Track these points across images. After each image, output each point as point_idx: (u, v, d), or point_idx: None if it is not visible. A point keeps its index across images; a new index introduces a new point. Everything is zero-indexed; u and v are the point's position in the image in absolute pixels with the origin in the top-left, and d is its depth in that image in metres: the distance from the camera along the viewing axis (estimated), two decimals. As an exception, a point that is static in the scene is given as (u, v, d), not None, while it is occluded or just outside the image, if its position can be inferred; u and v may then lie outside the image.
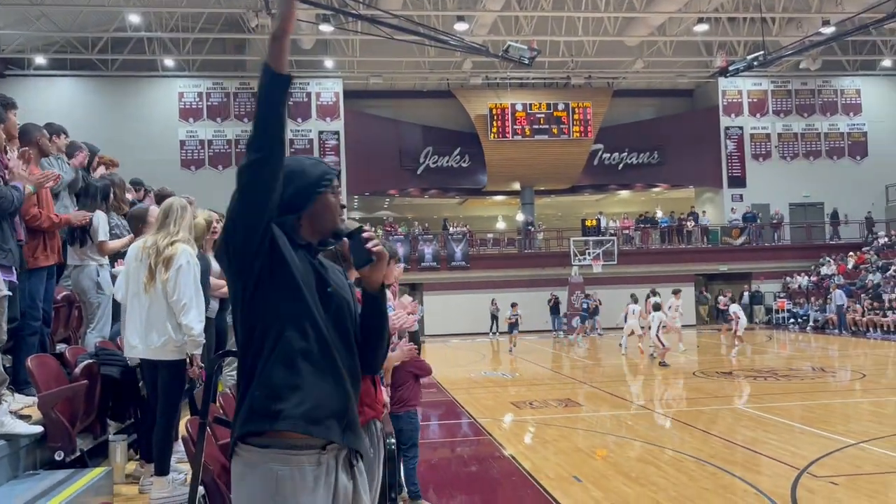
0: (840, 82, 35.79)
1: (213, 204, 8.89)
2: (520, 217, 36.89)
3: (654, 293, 21.42)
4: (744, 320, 22.58)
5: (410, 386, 6.59)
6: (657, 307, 18.68)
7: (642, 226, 34.39)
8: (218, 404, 5.51)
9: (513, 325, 24.01)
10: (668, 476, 7.94)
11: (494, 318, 30.38)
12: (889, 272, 28.16)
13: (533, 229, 34.38)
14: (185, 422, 4.66)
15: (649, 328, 19.15)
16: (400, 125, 34.96)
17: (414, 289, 31.06)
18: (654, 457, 8.93)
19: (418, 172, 34.84)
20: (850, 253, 32.24)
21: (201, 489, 3.87)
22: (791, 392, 13.67)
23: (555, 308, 30.06)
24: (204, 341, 5.46)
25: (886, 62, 34.51)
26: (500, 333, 30.44)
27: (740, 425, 10.70)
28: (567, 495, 7.32)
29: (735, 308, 23.12)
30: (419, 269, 31.21)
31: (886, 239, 32.32)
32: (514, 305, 24.54)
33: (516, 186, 35.99)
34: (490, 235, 36.19)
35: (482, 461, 9.10)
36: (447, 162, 34.78)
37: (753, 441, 9.66)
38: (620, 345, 21.89)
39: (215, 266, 6.29)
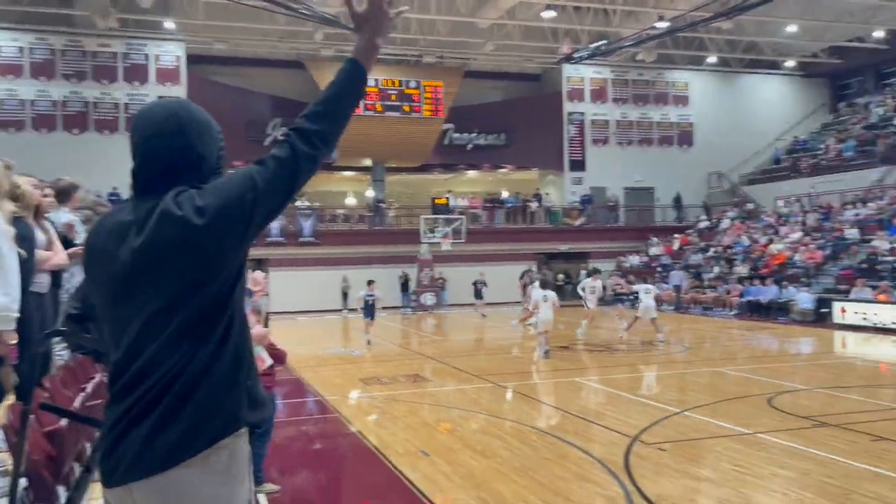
0: (671, 75, 38.24)
1: (35, 169, 8.12)
2: (370, 193, 36.71)
3: (531, 272, 21.52)
4: (648, 304, 18.06)
5: (265, 370, 6.40)
6: (545, 284, 16.51)
7: (489, 205, 35.27)
8: (50, 387, 5.05)
9: (370, 308, 19.31)
10: (512, 447, 8.21)
11: (346, 295, 30.17)
12: (709, 253, 30.61)
13: (384, 206, 34.34)
14: (4, 408, 4.24)
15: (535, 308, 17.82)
16: (247, 94, 33.65)
17: (260, 264, 30.18)
18: (498, 429, 9.21)
19: (265, 144, 33.73)
20: (676, 235, 34.73)
21: (24, 481, 3.54)
22: (620, 364, 14.55)
23: (405, 285, 30.32)
24: (13, 315, 4.94)
25: (712, 59, 37.23)
26: (350, 311, 30.29)
27: (578, 397, 11.27)
28: (415, 469, 7.39)
29: (641, 288, 18.79)
30: (265, 244, 30.34)
31: (708, 222, 35.09)
32: (370, 283, 20.15)
33: (367, 163, 35.74)
34: (340, 211, 35.78)
35: (329, 439, 9.00)
36: (296, 135, 33.85)
37: (590, 411, 10.20)
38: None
39: (40, 237, 5.76)
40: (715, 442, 8.42)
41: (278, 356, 6.46)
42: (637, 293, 18.84)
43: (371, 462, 7.81)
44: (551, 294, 15.57)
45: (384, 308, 30.92)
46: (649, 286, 19.13)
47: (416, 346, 19.48)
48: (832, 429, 8.71)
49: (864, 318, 19.83)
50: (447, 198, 33.29)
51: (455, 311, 29.90)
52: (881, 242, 23.42)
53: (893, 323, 18.95)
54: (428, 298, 30.23)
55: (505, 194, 37.89)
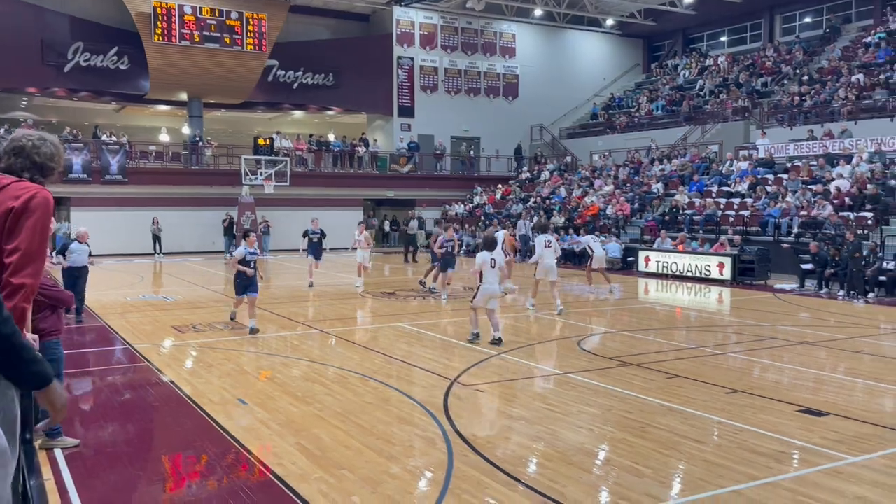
0: (500, 26, 39.02)
1: None
2: (186, 130, 34.71)
3: (371, 218, 20.68)
4: (599, 253, 17.98)
5: (48, 316, 5.89)
6: (543, 228, 15.14)
7: (315, 148, 34.56)
8: None
9: (315, 247, 18.18)
10: (334, 392, 8.21)
11: (157, 238, 28.54)
12: (529, 203, 31.99)
13: (201, 144, 32.64)
14: None
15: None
16: (44, 13, 30.38)
17: (61, 204, 27.78)
18: (320, 375, 9.18)
19: (66, 70, 30.80)
20: (499, 185, 35.93)
21: None
22: (442, 309, 14.94)
23: (228, 229, 29.13)
24: None
25: (538, 12, 38.38)
26: (164, 254, 28.79)
27: (400, 341, 11.45)
28: (230, 418, 7.21)
29: (590, 240, 18.79)
30: (66, 181, 27.92)
31: (529, 174, 36.57)
32: (314, 221, 19.04)
33: (183, 97, 33.69)
34: (152, 148, 33.59)
35: (137, 389, 8.55)
36: (102, 62, 31.21)
37: (411, 356, 10.40)
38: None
39: None
40: (529, 382, 8.89)
41: (61, 299, 5.96)
42: (588, 246, 18.62)
43: (184, 412, 7.52)
44: (552, 239, 13.96)
45: (199, 252, 29.74)
46: (594, 237, 19.50)
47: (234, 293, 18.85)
48: (633, 368, 9.47)
49: (665, 267, 21.66)
50: (271, 138, 32.20)
51: (280, 256, 29.26)
52: (682, 197, 25.55)
53: (689, 271, 20.86)
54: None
55: (332, 137, 37.28)
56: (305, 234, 18.85)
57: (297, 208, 31.42)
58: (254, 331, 11.91)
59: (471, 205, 34.95)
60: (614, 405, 7.82)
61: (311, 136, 35.94)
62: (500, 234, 20.14)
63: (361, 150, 35.03)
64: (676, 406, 7.76)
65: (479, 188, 36.10)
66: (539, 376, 9.20)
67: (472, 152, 38.16)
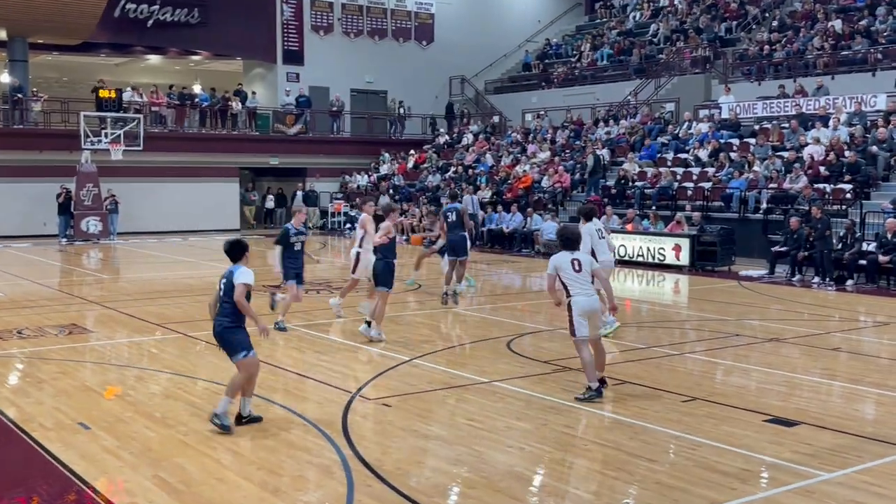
0: (410, -48, 38.98)
1: None
2: (6, 79, 33.35)
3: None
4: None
5: None
6: (590, 214, 12.18)
7: (177, 103, 33.77)
8: None
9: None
10: (202, 412, 8.08)
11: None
12: (449, 173, 32.12)
13: (26, 97, 31.39)
14: None
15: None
16: None
17: None
18: (185, 390, 9.04)
19: None
20: (411, 151, 35.94)
21: None
22: (344, 307, 14.88)
23: (65, 206, 28.11)
24: None
25: (458, -63, 38.50)
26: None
27: (289, 346, 11.36)
28: (68, 447, 7.04)
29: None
30: None
31: (448, 137, 36.68)
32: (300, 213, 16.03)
33: (2, 35, 32.33)
34: (-40, 102, 32.12)
35: (-55, 414, 8.21)
36: None
37: (302, 364, 10.34)
38: None
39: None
40: (447, 394, 8.97)
41: None
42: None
43: (7, 441, 7.30)
44: (602, 228, 12.43)
45: (24, 237, 28.68)
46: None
47: (74, 288, 18.36)
48: (574, 373, 9.67)
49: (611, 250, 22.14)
50: (119, 89, 31.23)
51: (132, 241, 28.51)
52: (631, 166, 26.16)
53: (639, 255, 21.41)
54: (91, 224, 28.43)
55: (198, 89, 36.48)
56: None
57: (152, 179, 30.63)
58: (282, 328, 12.15)
59: (376, 175, 34.86)
60: (550, 419, 7.98)
61: (170, 87, 35.07)
62: (467, 200, 20.57)
63: (236, 105, 34.41)
64: (625, 418, 7.98)
65: (386, 155, 36.03)
66: (459, 386, 9.29)
67: (402, 110, 37.97)
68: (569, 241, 8.93)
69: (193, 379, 9.56)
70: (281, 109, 35.32)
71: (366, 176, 34.96)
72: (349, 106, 37.30)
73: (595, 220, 12.24)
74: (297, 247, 12.17)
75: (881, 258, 17.46)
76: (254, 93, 35.80)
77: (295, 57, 36.50)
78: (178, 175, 31.20)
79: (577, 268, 8.71)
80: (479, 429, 7.63)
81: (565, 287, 8.71)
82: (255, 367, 7.62)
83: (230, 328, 7.47)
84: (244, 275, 7.39)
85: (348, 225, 31.42)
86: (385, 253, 11.39)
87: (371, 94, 38.30)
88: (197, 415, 8.02)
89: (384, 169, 35.15)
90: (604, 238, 12.02)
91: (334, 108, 36.34)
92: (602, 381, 8.72)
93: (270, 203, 35.51)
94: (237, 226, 33.29)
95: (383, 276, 11.35)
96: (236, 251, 7.61)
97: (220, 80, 37.60)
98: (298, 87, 36.03)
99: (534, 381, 9.42)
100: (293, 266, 12.17)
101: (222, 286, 7.50)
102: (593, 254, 10.86)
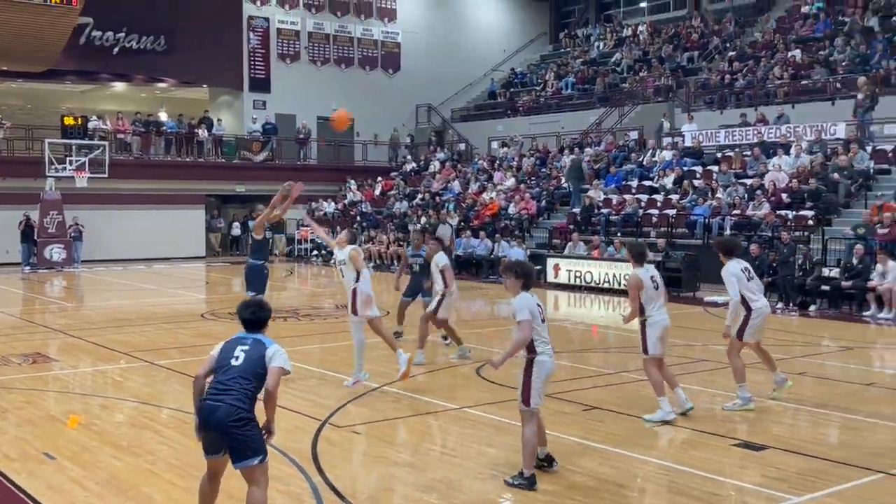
0: (377, -18, 39.19)
1: None
2: (-31, 106, 32.93)
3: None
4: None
5: None
6: (641, 257, 9.54)
7: (143, 130, 33.56)
8: None
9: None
10: (169, 440, 8.00)
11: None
12: (416, 200, 32.15)
13: (-11, 124, 31.01)
14: None
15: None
16: None
17: None
18: (151, 419, 8.94)
19: None
20: (378, 178, 35.95)
21: None
22: (313, 334, 14.82)
23: (27, 234, 27.74)
24: None
25: (424, -33, 38.81)
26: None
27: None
28: (35, 477, 6.94)
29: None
30: None
31: (414, 164, 36.76)
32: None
33: (-36, 62, 31.99)
34: (-79, 128, 31.65)
35: None
36: None
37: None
38: None
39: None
40: (418, 421, 8.93)
41: None
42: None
43: (-32, 473, 7.14)
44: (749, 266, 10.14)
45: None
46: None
47: (37, 316, 18.11)
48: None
49: (578, 277, 22.26)
50: (84, 117, 30.98)
51: (97, 269, 28.18)
52: (596, 193, 26.36)
53: (605, 281, 21.53)
54: (55, 252, 28.08)
55: (164, 117, 36.27)
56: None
57: (118, 207, 30.33)
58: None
59: (344, 202, 34.80)
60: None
61: (136, 114, 34.86)
62: (444, 230, 19.84)
63: (203, 132, 34.26)
64: (594, 444, 7.98)
65: (352, 181, 36.01)
66: (430, 413, 9.26)
67: (408, 138, 37.98)
68: (638, 253, 8.97)
69: (159, 407, 9.44)
70: (247, 137, 35.19)
71: (333, 203, 34.88)
72: (316, 133, 37.27)
73: (737, 258, 9.95)
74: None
75: (844, 283, 17.70)
76: (220, 120, 35.66)
77: (261, 84, 36.45)
78: (144, 202, 30.94)
79: (655, 286, 8.75)
80: (450, 455, 7.60)
81: (642, 305, 8.67)
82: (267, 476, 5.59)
83: (249, 420, 5.42)
84: (282, 356, 5.59)
85: (314, 252, 31.32)
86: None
87: (338, 121, 38.23)
88: (164, 443, 7.92)
89: (351, 195, 35.10)
90: (753, 278, 9.90)
91: (301, 136, 36.29)
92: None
93: (236, 230, 35.30)
94: (203, 253, 33.05)
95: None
96: (261, 318, 5.77)
97: (187, 108, 37.40)
98: (265, 115, 35.96)
99: (503, 406, 9.38)
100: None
101: (243, 360, 5.55)
102: (744, 301, 9.53)
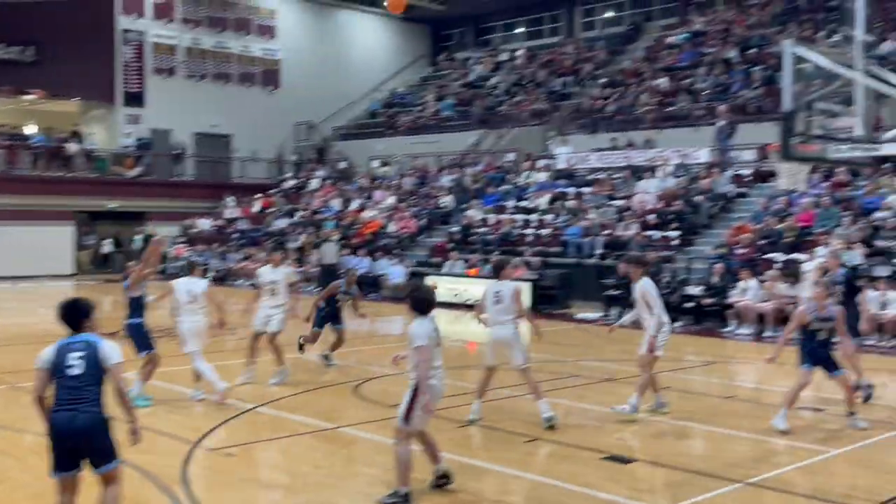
0: (255, -1, 38.77)
1: None
2: None
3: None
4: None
5: None
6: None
7: (8, 143, 32.18)
8: None
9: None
10: (30, 467, 7.65)
11: None
12: (295, 218, 31.82)
13: None
14: None
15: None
16: None
17: None
18: (12, 444, 8.58)
19: None
20: (257, 195, 35.42)
21: None
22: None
23: None
24: None
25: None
26: None
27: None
28: None
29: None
30: None
31: (295, 181, 36.39)
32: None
33: None
34: None
35: None
36: None
37: (140, 413, 9.89)
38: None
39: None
40: (293, 441, 8.80)
41: None
42: None
43: None
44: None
45: None
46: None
47: None
48: (419, 417, 9.67)
49: (456, 294, 22.44)
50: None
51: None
52: (475, 212, 26.70)
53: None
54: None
55: (32, 130, 34.88)
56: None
57: (-19, 223, 28.92)
58: None
59: (221, 220, 34.13)
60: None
61: (1, 126, 33.39)
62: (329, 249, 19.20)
63: (73, 147, 33.06)
64: (468, 460, 8.04)
65: (230, 199, 35.38)
66: (305, 433, 9.14)
67: (294, 156, 37.11)
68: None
69: (20, 433, 9.01)
70: (120, 151, 34.15)
71: (209, 220, 34.17)
72: (192, 149, 36.47)
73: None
74: None
75: (705, 301, 18.44)
76: (91, 133, 34.51)
77: (135, 99, 35.45)
78: (9, 218, 29.56)
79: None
80: (324, 476, 7.52)
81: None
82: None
83: (107, 423, 5.52)
84: (117, 351, 5.67)
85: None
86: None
87: (215, 137, 37.57)
88: (27, 470, 7.56)
89: (229, 213, 34.46)
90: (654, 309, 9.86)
91: (176, 152, 35.44)
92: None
93: (107, 247, 34.12)
94: (71, 271, 31.79)
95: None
96: (81, 314, 5.78)
97: (56, 121, 36.03)
98: (139, 130, 35.01)
99: (380, 425, 9.36)
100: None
101: (83, 365, 5.53)
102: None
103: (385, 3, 11.08)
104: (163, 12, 36.08)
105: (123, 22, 35.11)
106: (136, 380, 10.20)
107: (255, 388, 11.29)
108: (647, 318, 9.90)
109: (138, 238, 31.46)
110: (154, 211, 34.05)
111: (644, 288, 9.87)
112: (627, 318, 10.50)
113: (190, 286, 10.54)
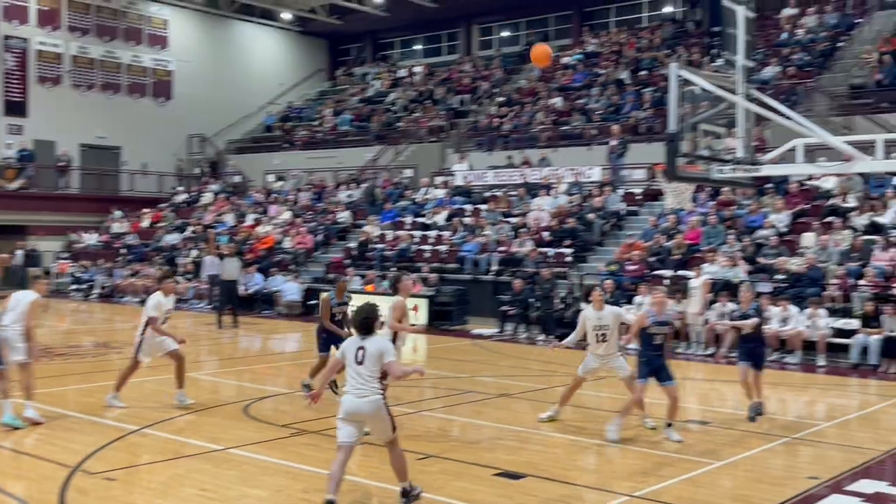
0: (147, 7, 37.77)
1: None
2: None
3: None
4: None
5: None
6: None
7: None
8: None
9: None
10: None
11: None
12: (186, 233, 31.07)
13: None
14: None
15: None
16: None
17: None
18: None
19: None
20: (146, 209, 34.51)
21: None
22: (67, 374, 13.89)
23: None
24: None
25: (198, -5, 37.96)
26: None
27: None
28: None
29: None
30: None
31: (186, 195, 35.59)
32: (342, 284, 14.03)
33: None
34: None
35: None
36: None
37: (12, 436, 9.46)
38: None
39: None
40: (178, 464, 8.55)
41: None
42: None
43: None
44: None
45: None
46: None
47: None
48: (311, 436, 9.55)
49: (352, 310, 22.28)
50: None
51: None
52: (372, 228, 26.61)
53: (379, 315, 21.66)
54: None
55: None
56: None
57: None
58: None
59: (108, 234, 33.09)
60: (287, 484, 7.81)
61: None
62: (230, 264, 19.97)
63: (-51, 157, 31.61)
64: (362, 479, 7.96)
65: (118, 212, 34.35)
66: (191, 455, 8.90)
67: (196, 170, 35.73)
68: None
69: None
70: (1, 163, 32.79)
71: (96, 235, 33.10)
72: (78, 161, 35.32)
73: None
74: None
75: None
76: (-30, 144, 33.04)
77: (17, 108, 34.10)
78: None
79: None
80: (210, 499, 7.32)
81: None
82: None
83: None
84: None
85: (74, 286, 29.60)
86: None
87: (103, 149, 36.46)
88: None
89: (116, 227, 33.45)
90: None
91: (61, 164, 34.25)
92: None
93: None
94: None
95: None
96: None
97: (-69, 129, 34.44)
98: (21, 140, 33.71)
99: (270, 446, 9.19)
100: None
101: None
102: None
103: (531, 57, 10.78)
104: (47, 19, 34.89)
105: (5, 28, 33.78)
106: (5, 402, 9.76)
107: (140, 411, 10.93)
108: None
109: (19, 253, 30.26)
110: (36, 225, 32.82)
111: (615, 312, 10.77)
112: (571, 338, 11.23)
113: (20, 297, 10.16)
